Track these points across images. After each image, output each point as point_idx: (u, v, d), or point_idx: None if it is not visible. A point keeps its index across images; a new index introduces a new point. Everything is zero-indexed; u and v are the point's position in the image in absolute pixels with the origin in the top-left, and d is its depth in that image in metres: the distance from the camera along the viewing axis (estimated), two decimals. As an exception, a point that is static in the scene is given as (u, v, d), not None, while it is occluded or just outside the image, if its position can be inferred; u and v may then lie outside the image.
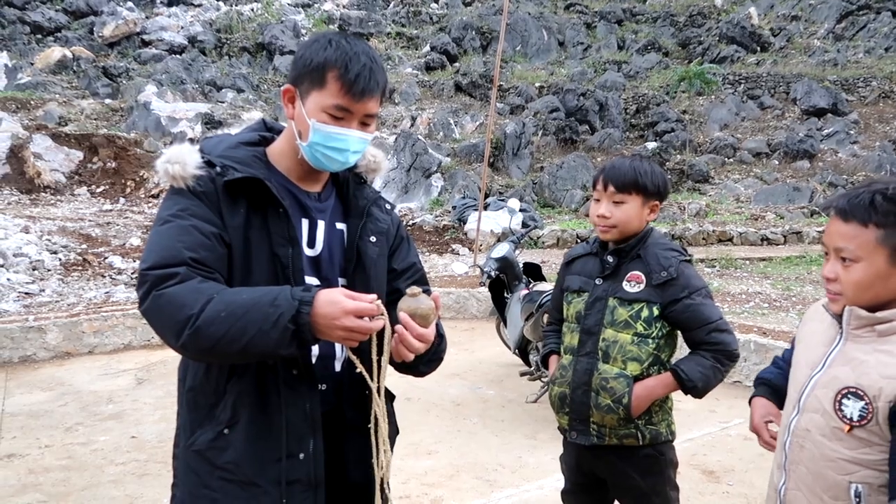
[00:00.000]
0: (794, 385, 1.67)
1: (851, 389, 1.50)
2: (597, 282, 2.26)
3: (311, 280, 1.57)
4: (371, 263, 1.62)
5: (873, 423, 1.47)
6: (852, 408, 1.49)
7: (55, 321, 5.80)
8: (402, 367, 1.62)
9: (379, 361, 1.51)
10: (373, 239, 1.64)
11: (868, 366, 1.49)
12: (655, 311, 2.18)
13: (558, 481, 3.74)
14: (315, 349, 1.56)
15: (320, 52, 1.51)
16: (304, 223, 1.58)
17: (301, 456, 1.52)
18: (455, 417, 4.55)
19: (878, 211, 1.47)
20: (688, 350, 2.29)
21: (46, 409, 4.63)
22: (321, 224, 1.60)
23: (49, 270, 7.78)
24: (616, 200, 2.21)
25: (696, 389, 2.19)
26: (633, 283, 2.20)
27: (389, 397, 1.75)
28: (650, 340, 2.19)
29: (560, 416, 2.33)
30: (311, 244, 1.59)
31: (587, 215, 12.87)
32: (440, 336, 1.63)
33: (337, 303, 1.34)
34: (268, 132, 1.68)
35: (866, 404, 1.47)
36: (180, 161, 1.49)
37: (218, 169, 1.50)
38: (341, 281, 1.61)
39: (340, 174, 1.67)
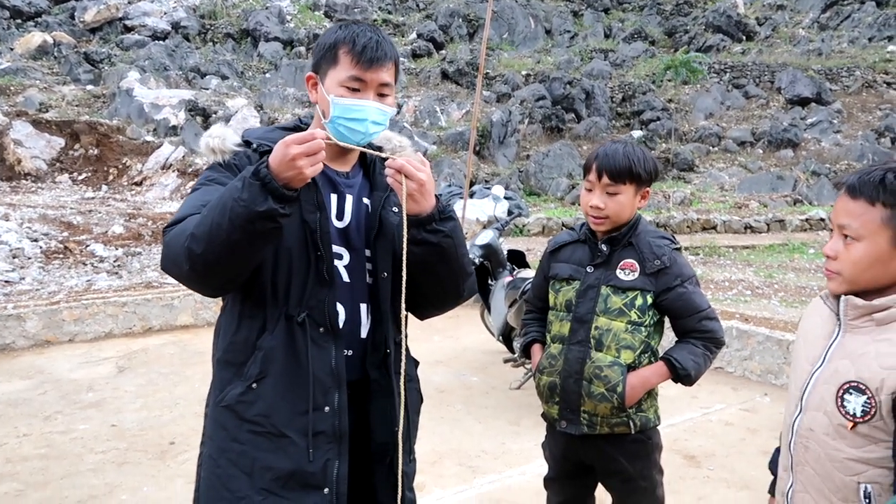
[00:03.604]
0: (795, 382, 1.61)
1: (853, 384, 1.43)
2: (588, 269, 2.23)
3: (340, 249, 1.68)
4: (392, 230, 1.69)
5: (877, 419, 1.40)
6: (854, 403, 1.43)
7: (35, 309, 5.72)
8: (421, 279, 1.65)
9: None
10: (395, 209, 1.71)
11: (868, 357, 1.43)
12: (649, 300, 2.18)
13: (541, 467, 3.75)
14: (342, 313, 1.65)
15: (331, 36, 1.65)
16: (333, 197, 1.69)
17: (326, 409, 1.60)
18: (439, 404, 4.56)
19: (887, 189, 1.41)
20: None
21: (25, 397, 4.58)
22: (349, 198, 1.71)
23: (29, 258, 7.68)
24: (610, 192, 2.17)
25: (689, 378, 2.20)
26: (628, 270, 2.18)
27: (414, 363, 1.84)
28: (643, 328, 2.18)
29: (549, 405, 2.30)
30: (340, 216, 1.70)
31: (573, 203, 12.95)
32: (446, 206, 1.64)
33: (279, 144, 1.44)
34: (303, 124, 1.80)
35: (868, 398, 1.40)
36: (221, 136, 1.66)
37: (254, 146, 1.66)
38: (367, 251, 1.71)
39: (368, 157, 1.76)
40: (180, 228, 1.51)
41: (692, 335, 2.23)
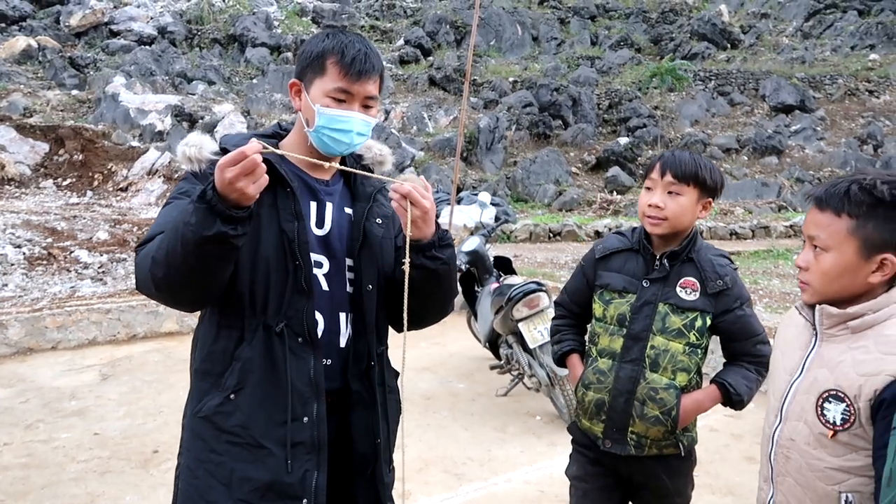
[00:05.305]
0: (774, 393, 1.62)
1: (832, 392, 1.44)
2: (644, 284, 2.11)
3: (320, 257, 1.66)
4: (377, 242, 1.71)
5: (856, 426, 1.41)
6: (834, 411, 1.44)
7: (17, 316, 5.66)
8: (415, 304, 1.64)
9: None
10: (378, 221, 1.73)
11: (845, 365, 1.44)
12: (708, 321, 2.08)
13: (526, 474, 3.77)
14: (321, 322, 1.64)
15: (319, 44, 1.64)
16: (313, 205, 1.68)
17: (305, 419, 1.59)
18: (425, 411, 4.54)
19: (851, 201, 1.44)
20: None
21: (6, 405, 4.52)
22: (329, 206, 1.70)
23: (12, 265, 7.59)
24: (672, 191, 2.05)
25: (742, 403, 2.13)
26: (689, 289, 2.08)
27: (394, 374, 1.83)
28: (699, 350, 2.10)
29: (593, 422, 2.16)
30: (320, 224, 1.68)
31: (560, 209, 12.95)
32: (446, 233, 1.65)
33: (217, 168, 1.39)
34: (282, 131, 1.78)
35: (847, 406, 1.42)
36: (197, 144, 1.60)
37: None
38: (349, 261, 1.70)
39: (348, 164, 1.74)
40: (147, 250, 1.51)
41: (744, 358, 2.16)
